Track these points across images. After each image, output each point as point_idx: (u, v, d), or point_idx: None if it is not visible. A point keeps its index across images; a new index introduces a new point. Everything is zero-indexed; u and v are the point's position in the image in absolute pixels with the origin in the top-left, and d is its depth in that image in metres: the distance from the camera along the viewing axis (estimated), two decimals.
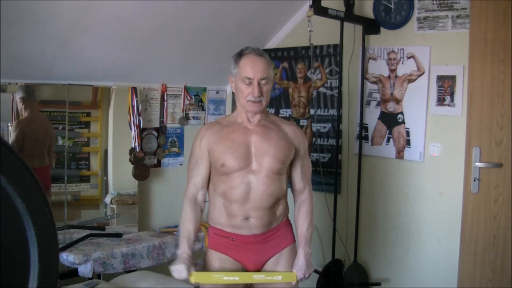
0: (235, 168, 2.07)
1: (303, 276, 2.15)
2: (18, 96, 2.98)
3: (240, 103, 2.12)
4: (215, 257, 2.16)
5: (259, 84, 2.05)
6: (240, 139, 2.11)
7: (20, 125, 3.03)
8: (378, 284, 3.34)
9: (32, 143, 3.08)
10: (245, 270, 2.17)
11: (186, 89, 3.78)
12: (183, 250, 2.08)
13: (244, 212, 2.10)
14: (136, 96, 3.40)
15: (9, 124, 2.99)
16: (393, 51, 3.24)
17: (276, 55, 3.76)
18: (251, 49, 2.11)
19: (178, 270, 2.02)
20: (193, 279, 2.04)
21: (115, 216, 3.47)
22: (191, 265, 2.04)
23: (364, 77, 3.34)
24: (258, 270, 2.18)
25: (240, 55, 2.11)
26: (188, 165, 2.22)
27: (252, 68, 2.05)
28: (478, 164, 2.78)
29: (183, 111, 3.78)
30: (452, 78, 3.01)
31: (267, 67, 2.09)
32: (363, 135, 3.39)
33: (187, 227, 2.13)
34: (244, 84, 2.06)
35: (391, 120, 3.28)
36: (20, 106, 2.99)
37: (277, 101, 3.79)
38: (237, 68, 2.10)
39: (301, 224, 2.23)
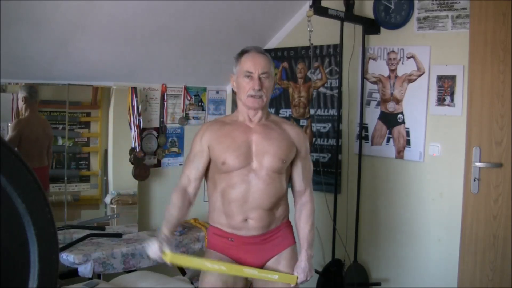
0: (235, 166, 2.08)
1: (305, 279, 2.13)
2: (21, 95, 2.99)
3: (241, 100, 2.13)
4: (214, 257, 2.14)
5: (259, 78, 2.07)
6: (241, 137, 2.11)
7: (19, 125, 3.03)
8: (378, 284, 3.34)
9: (30, 143, 3.08)
10: None
11: (186, 89, 3.78)
12: (162, 230, 2.05)
13: (243, 212, 2.09)
14: (136, 96, 3.40)
15: (8, 124, 3.00)
16: (393, 51, 3.23)
17: (276, 55, 3.76)
18: (253, 47, 2.16)
19: (150, 246, 1.95)
20: (168, 259, 1.94)
21: (115, 216, 3.47)
22: (166, 245, 1.97)
23: (364, 77, 3.34)
24: None
25: (241, 53, 2.15)
26: (186, 159, 2.23)
27: (253, 63, 2.08)
28: (478, 164, 2.78)
29: (183, 111, 3.78)
30: (452, 78, 3.01)
31: (268, 63, 2.12)
32: (363, 135, 3.39)
33: (171, 213, 2.11)
34: (245, 79, 2.08)
35: (391, 120, 3.27)
36: (21, 105, 3.00)
37: (277, 101, 3.79)
38: (238, 66, 2.13)
39: (303, 226, 2.21)
